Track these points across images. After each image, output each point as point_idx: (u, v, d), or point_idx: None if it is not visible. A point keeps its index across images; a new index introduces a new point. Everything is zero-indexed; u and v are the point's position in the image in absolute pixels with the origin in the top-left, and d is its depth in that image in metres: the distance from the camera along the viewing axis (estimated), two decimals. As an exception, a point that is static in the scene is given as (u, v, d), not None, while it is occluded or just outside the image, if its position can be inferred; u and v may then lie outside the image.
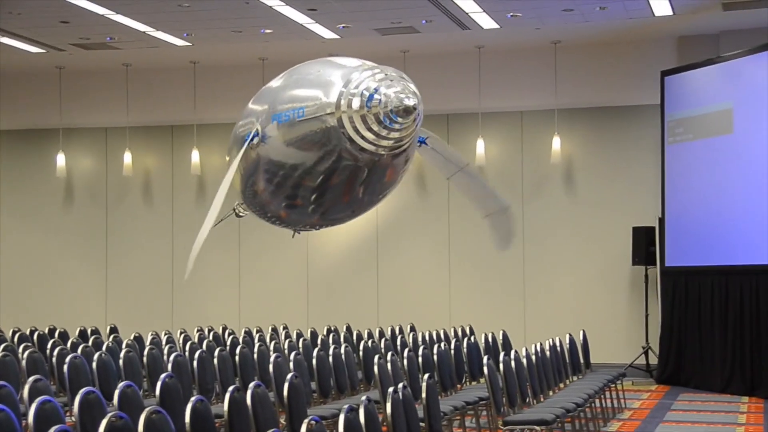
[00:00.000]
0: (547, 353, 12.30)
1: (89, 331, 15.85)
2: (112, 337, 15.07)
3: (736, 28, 16.60)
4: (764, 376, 14.68)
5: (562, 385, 12.53)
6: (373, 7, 15.42)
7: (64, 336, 15.16)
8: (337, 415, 6.34)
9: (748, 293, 15.12)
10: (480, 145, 17.64)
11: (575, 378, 13.34)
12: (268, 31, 16.90)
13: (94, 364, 10.46)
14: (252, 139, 7.68)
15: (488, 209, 10.78)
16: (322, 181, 7.57)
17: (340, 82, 7.11)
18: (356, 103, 6.91)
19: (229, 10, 15.56)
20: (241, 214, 11.61)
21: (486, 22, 16.12)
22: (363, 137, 6.91)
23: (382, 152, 7.10)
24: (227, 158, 10.43)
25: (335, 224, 10.63)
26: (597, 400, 11.96)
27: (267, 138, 7.62)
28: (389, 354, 11.16)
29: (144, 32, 16.73)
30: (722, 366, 15.46)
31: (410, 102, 6.86)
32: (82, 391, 7.11)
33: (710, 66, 15.97)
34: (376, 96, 6.85)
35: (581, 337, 14.24)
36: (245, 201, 10.02)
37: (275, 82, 8.98)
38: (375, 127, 6.85)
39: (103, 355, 10.90)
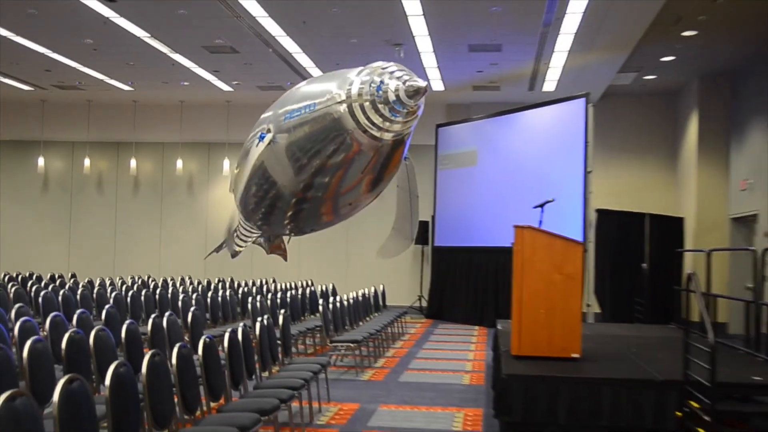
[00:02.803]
0: (360, 298, 13.07)
1: (56, 276, 16.16)
2: (72, 280, 15.45)
3: (481, 101, 18.09)
4: (487, 313, 15.87)
5: (368, 319, 13.19)
6: (256, 71, 16.05)
7: (39, 278, 15.45)
8: (222, 335, 6.37)
9: (482, 263, 16.35)
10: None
11: (376, 314, 13.97)
12: (186, 83, 17.42)
13: (59, 297, 10.64)
14: (263, 138, 5.75)
15: (400, 229, 8.76)
16: (331, 170, 5.57)
17: (348, 78, 5.27)
18: (366, 91, 5.11)
19: (160, 68, 16.04)
20: (239, 249, 9.18)
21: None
22: (373, 122, 5.13)
23: (388, 137, 5.21)
24: (236, 171, 8.17)
25: (332, 223, 7.70)
26: (389, 328, 12.82)
27: (279, 136, 5.64)
28: (258, 296, 11.62)
29: (102, 80, 17.17)
30: (464, 307, 16.78)
31: (422, 83, 5.07)
32: (51, 314, 7.27)
33: (465, 123, 17.18)
34: (383, 84, 5.08)
35: (381, 289, 15.04)
36: (250, 208, 7.26)
37: (280, 99, 6.48)
38: (385, 111, 5.07)
39: (66, 291, 11.09)
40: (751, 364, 7.32)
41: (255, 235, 8.59)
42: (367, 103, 5.15)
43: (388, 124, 5.17)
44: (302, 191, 6.03)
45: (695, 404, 6.10)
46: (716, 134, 16.64)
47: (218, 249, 8.95)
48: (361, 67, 5.37)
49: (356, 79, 5.25)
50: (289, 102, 5.68)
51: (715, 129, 16.65)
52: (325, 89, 5.42)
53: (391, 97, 5.12)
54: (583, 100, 14.17)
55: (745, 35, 13.62)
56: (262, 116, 6.40)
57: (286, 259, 8.98)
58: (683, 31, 13.49)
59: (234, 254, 9.30)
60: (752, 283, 8.23)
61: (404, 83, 5.09)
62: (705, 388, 5.87)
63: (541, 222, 8.00)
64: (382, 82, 5.17)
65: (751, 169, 15.32)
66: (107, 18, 12.71)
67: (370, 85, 5.18)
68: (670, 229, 15.49)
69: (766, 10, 12.23)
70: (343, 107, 5.21)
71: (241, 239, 8.36)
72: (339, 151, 5.42)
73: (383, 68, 5.31)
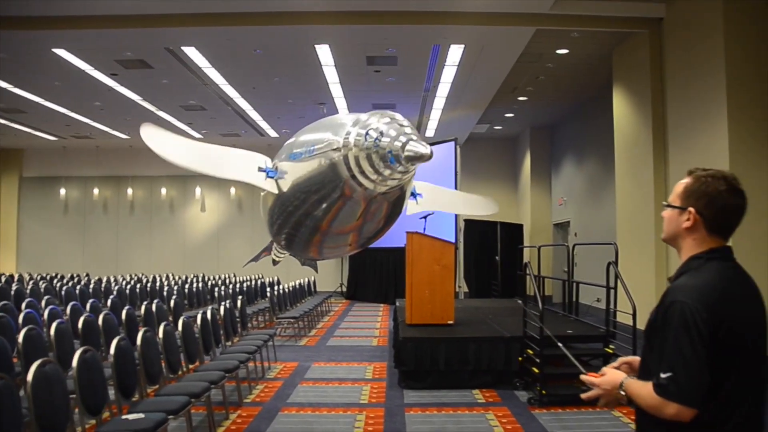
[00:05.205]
0: (297, 286, 13.04)
1: (74, 275, 15.59)
2: (86, 278, 14.97)
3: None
4: (388, 294, 15.60)
5: (304, 301, 12.99)
6: (219, 123, 15.48)
7: (62, 277, 15.04)
8: (197, 315, 6.27)
9: (384, 258, 15.95)
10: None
11: (309, 297, 13.74)
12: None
13: (77, 290, 10.58)
14: (268, 173, 4.22)
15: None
16: (323, 212, 3.85)
17: (349, 124, 3.54)
18: (362, 142, 3.37)
19: (149, 121, 14.20)
20: (277, 258, 7.47)
21: (272, 132, 16.23)
22: (365, 174, 3.37)
23: (381, 190, 3.43)
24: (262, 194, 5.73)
25: (333, 256, 5.79)
26: (319, 307, 12.70)
27: (284, 173, 4.12)
28: (222, 286, 11.90)
29: (106, 131, 16.53)
30: (373, 290, 16.54)
31: (426, 150, 3.17)
32: (71, 303, 7.13)
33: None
34: (384, 137, 3.30)
35: (312, 279, 14.81)
36: (272, 232, 4.99)
37: (288, 141, 4.52)
38: (379, 166, 3.29)
39: (81, 286, 11.11)
40: (566, 322, 7.57)
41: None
42: (362, 154, 3.40)
43: (380, 178, 3.38)
44: (297, 223, 4.36)
45: (531, 351, 6.33)
46: (542, 167, 16.96)
47: (255, 259, 7.95)
48: (363, 115, 3.72)
49: (361, 120, 3.70)
50: (296, 145, 4.23)
51: (541, 163, 16.96)
52: (327, 134, 3.85)
53: (389, 152, 3.32)
54: (453, 142, 14.09)
55: (559, 101, 14.14)
56: (277, 154, 4.75)
57: (316, 271, 7.08)
58: (518, 97, 13.89)
59: (274, 263, 7.95)
60: (567, 268, 8.48)
61: (403, 145, 3.26)
62: (536, 340, 6.10)
63: (425, 229, 7.94)
64: (382, 132, 3.36)
65: (565, 190, 15.71)
66: (111, 87, 12.42)
67: (369, 134, 3.54)
68: (513, 232, 15.71)
69: (570, 85, 12.83)
70: (339, 155, 3.59)
71: (278, 251, 7.10)
72: (331, 196, 3.79)
73: (385, 122, 3.43)
